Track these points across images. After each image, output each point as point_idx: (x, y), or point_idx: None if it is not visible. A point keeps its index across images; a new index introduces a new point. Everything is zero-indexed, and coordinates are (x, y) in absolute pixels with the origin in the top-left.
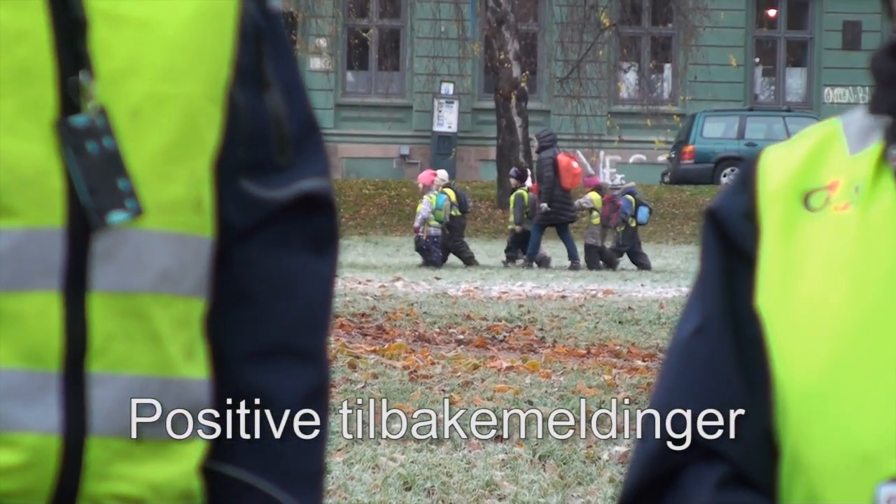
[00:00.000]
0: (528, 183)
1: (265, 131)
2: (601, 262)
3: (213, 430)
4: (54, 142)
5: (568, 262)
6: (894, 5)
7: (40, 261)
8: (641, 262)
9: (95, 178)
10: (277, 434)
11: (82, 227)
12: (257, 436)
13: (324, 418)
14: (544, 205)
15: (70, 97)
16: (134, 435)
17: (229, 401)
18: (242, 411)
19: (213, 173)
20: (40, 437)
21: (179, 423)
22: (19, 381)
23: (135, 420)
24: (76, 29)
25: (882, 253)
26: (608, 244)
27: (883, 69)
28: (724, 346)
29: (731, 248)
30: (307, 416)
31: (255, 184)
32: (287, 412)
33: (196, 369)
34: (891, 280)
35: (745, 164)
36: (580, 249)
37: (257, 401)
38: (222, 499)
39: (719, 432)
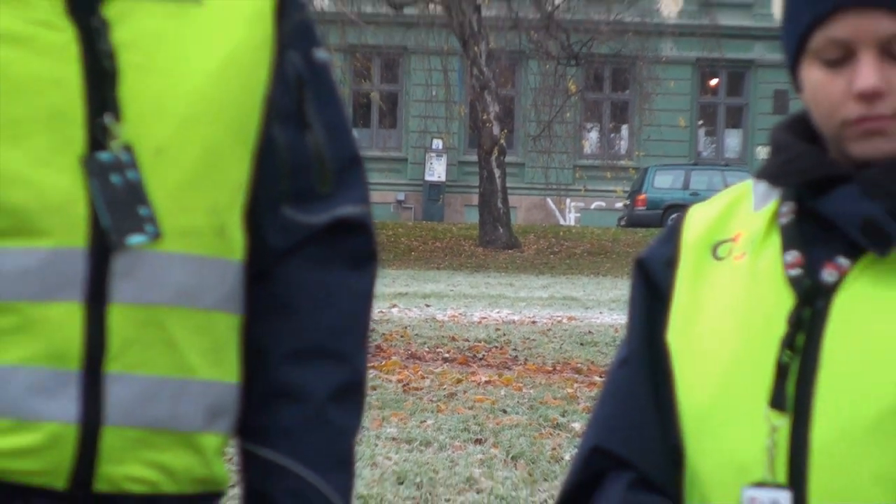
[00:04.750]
0: None
1: (307, 165)
2: None
3: (232, 426)
4: (81, 174)
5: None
6: (798, 81)
7: (65, 275)
8: None
9: (117, 206)
10: (310, 423)
11: (103, 247)
12: (293, 424)
13: (354, 411)
14: None
15: (97, 136)
16: (149, 426)
17: (270, 394)
18: (280, 403)
19: (250, 204)
20: (60, 426)
21: (197, 418)
22: (43, 378)
23: (149, 413)
24: (105, 78)
25: (763, 300)
26: None
27: (778, 139)
28: (640, 376)
29: (654, 291)
30: (337, 409)
31: (296, 210)
32: (319, 405)
33: (222, 373)
34: (767, 324)
35: (675, 219)
36: None
37: (294, 394)
38: (260, 478)
39: (632, 446)
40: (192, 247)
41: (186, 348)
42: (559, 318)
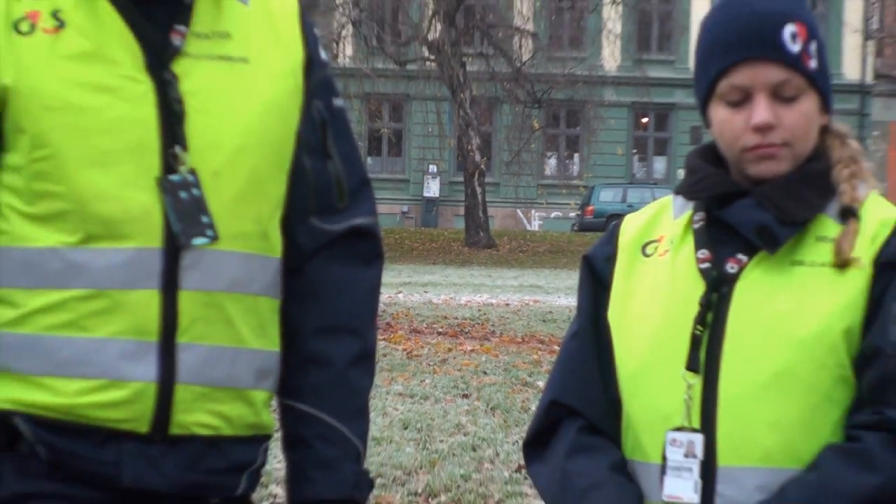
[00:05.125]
0: None
1: (328, 186)
2: None
3: (275, 385)
4: (157, 192)
5: None
6: (708, 119)
7: (145, 269)
8: None
9: (185, 216)
10: (334, 383)
11: (174, 247)
12: (321, 384)
13: (367, 374)
14: None
15: (169, 162)
16: (211, 384)
17: (302, 360)
18: (311, 368)
19: (286, 215)
20: (142, 384)
21: (248, 378)
22: (129, 347)
23: (212, 374)
24: (175, 118)
25: (680, 287)
26: None
27: (692, 164)
28: (587, 346)
29: (598, 281)
30: (355, 372)
31: (320, 220)
32: (341, 369)
33: (266, 344)
34: (684, 305)
35: (613, 226)
36: None
37: (321, 361)
38: (297, 425)
39: (581, 400)
40: (242, 246)
41: (239, 324)
42: (527, 302)
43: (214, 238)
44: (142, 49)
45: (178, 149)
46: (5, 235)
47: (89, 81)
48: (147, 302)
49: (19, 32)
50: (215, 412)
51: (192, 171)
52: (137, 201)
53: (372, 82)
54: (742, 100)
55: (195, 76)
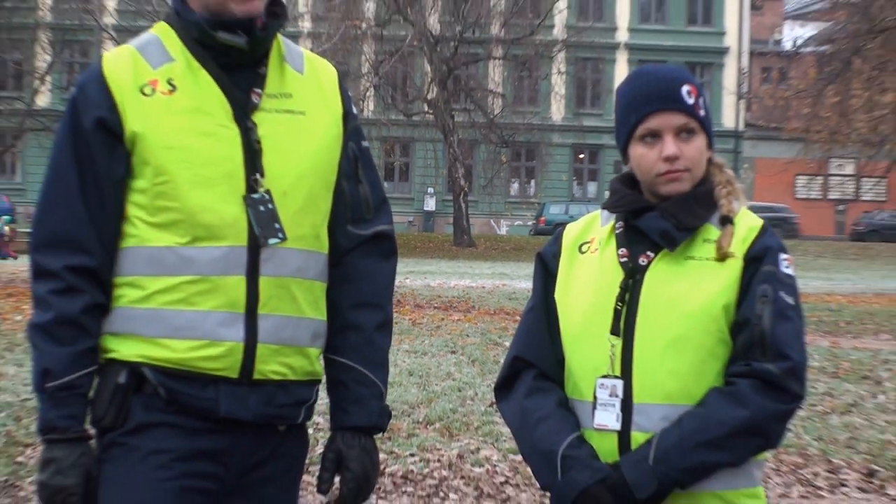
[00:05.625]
0: None
1: (359, 203)
2: None
3: (324, 344)
4: (243, 206)
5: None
6: (627, 155)
7: (235, 261)
8: None
9: (263, 223)
10: (365, 343)
11: (256, 245)
12: (355, 343)
13: (388, 337)
14: None
15: (251, 185)
16: (281, 343)
17: (341, 327)
18: (348, 332)
19: (330, 223)
20: (233, 343)
21: (306, 339)
22: (224, 317)
23: (282, 336)
24: (255, 154)
25: (606, 275)
26: None
27: (614, 187)
28: (540, 317)
29: (547, 271)
30: (379, 335)
31: (354, 227)
32: (369, 333)
33: (318, 314)
34: (608, 288)
35: (559, 231)
36: None
37: (355, 327)
38: (337, 373)
39: (536, 356)
40: (302, 245)
41: (300, 300)
42: (497, 285)
43: (284, 239)
44: (230, 105)
45: (257, 175)
46: (134, 238)
47: (194, 128)
48: (236, 285)
49: (144, 94)
50: (284, 363)
51: (268, 192)
52: (229, 213)
53: (387, 129)
54: (654, 139)
55: (268, 124)
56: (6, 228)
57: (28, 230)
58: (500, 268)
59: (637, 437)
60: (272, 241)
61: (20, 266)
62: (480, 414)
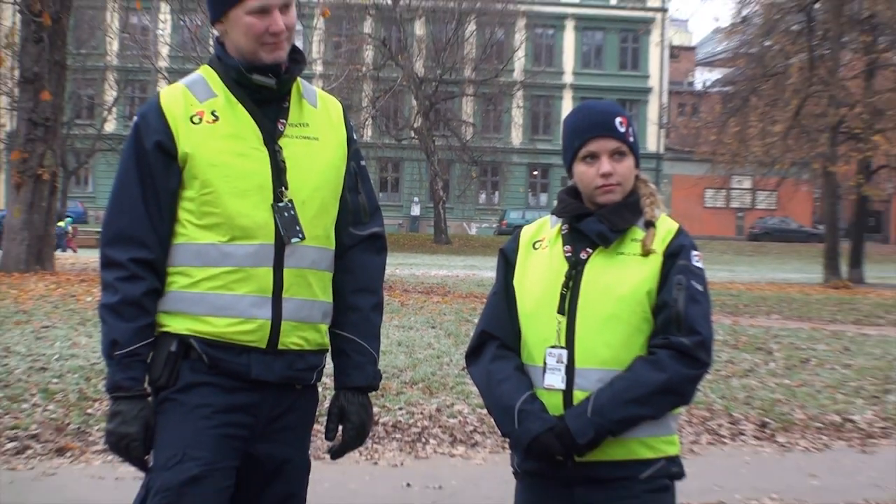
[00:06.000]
0: None
1: (358, 209)
2: None
3: (330, 321)
4: (271, 212)
5: None
6: (572, 172)
7: (265, 256)
8: None
9: (287, 225)
10: (362, 320)
11: (281, 243)
12: (354, 321)
13: (380, 315)
14: None
15: (277, 195)
16: (300, 321)
17: (343, 308)
18: (348, 312)
19: (337, 225)
20: (263, 321)
21: (318, 317)
22: (255, 300)
23: (300, 315)
24: (280, 171)
25: (554, 266)
26: None
27: (560, 197)
28: (503, 299)
29: (508, 263)
30: (373, 314)
31: (354, 228)
32: (366, 312)
33: (327, 297)
34: (556, 277)
35: (517, 232)
36: None
37: (354, 308)
38: (340, 344)
39: (499, 330)
40: (316, 243)
41: (315, 287)
42: (469, 275)
43: (303, 238)
44: (261, 132)
45: (283, 188)
46: (184, 236)
47: (233, 150)
48: (265, 274)
49: (193, 123)
50: (302, 337)
51: (290, 201)
52: (260, 217)
53: (382, 150)
54: (593, 160)
55: (291, 147)
56: (69, 227)
57: (96, 229)
58: (470, 261)
59: (578, 395)
60: (294, 240)
61: (90, 258)
62: (454, 376)
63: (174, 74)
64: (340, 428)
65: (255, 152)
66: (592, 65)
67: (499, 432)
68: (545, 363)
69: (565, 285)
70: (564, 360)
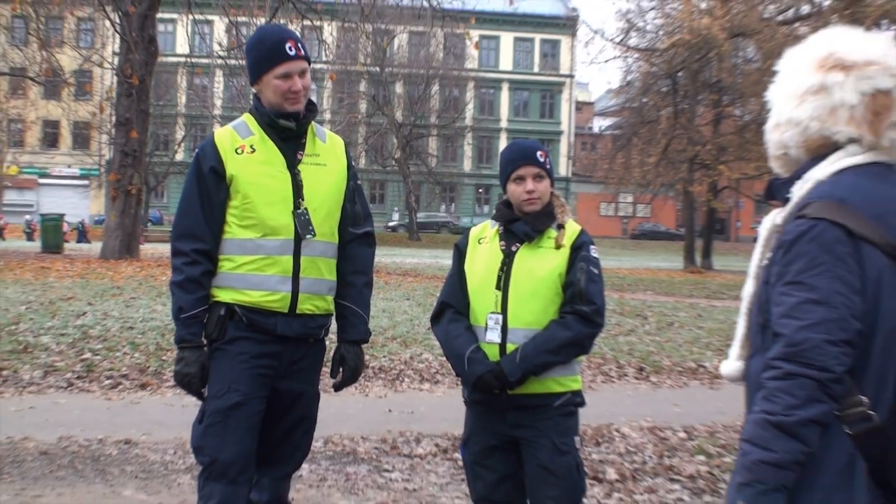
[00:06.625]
0: None
1: (356, 215)
2: None
3: (334, 293)
4: (292, 217)
5: None
6: (506, 189)
7: (287, 246)
8: None
9: (303, 226)
10: (357, 293)
11: (299, 238)
12: (352, 294)
13: (370, 290)
14: None
15: (297, 205)
16: (313, 293)
17: (343, 284)
18: (347, 287)
19: (340, 226)
20: (286, 293)
21: (326, 290)
22: (281, 279)
23: (312, 289)
24: (299, 187)
25: (493, 257)
26: None
27: (498, 207)
28: (458, 279)
29: (461, 254)
30: (366, 289)
31: (353, 228)
32: (360, 288)
33: (332, 277)
34: (494, 264)
35: (466, 232)
36: None
37: (351, 285)
38: (341, 310)
39: (455, 300)
40: (324, 238)
41: (323, 269)
42: (434, 262)
43: (315, 235)
44: (285, 160)
45: (300, 199)
46: (230, 234)
47: (265, 173)
48: (288, 261)
49: (237, 153)
50: (313, 304)
51: (306, 209)
52: (284, 220)
53: (371, 174)
54: (521, 181)
55: (306, 171)
56: (82, 225)
57: (168, 229)
58: (436, 254)
59: (510, 347)
60: (308, 236)
61: (164, 251)
62: (422, 334)
63: (224, 119)
64: (341, 370)
65: (281, 174)
66: (521, 114)
67: (454, 373)
68: (487, 324)
69: (501, 269)
70: (500, 322)
